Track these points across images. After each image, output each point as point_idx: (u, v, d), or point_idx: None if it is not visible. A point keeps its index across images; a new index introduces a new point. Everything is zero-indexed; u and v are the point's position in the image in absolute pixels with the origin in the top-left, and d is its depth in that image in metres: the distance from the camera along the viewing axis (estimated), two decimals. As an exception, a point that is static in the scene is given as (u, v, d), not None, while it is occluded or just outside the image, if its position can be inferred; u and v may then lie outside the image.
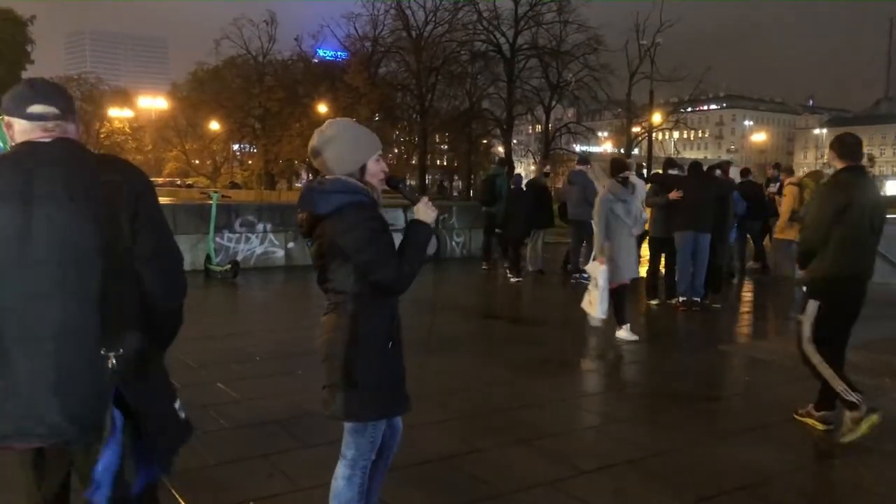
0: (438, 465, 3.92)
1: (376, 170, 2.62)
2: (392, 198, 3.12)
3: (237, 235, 11.91)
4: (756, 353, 6.85)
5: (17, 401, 1.89)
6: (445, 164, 60.04)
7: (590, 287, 7.22)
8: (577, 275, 11.03)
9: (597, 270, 7.07)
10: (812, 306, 4.56)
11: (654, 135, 45.54)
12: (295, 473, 3.73)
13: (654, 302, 9.16)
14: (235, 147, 62.29)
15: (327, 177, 2.59)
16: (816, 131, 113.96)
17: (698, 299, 8.88)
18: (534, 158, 50.92)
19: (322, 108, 46.84)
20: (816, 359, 4.51)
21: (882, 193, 5.79)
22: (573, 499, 3.57)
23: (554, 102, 44.61)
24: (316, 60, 51.84)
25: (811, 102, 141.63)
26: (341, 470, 2.71)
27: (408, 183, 2.67)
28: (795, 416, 4.75)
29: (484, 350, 6.89)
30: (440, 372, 5.77)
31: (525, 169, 49.81)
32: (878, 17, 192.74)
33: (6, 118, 2.10)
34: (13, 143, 2.09)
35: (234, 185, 56.50)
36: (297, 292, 10.53)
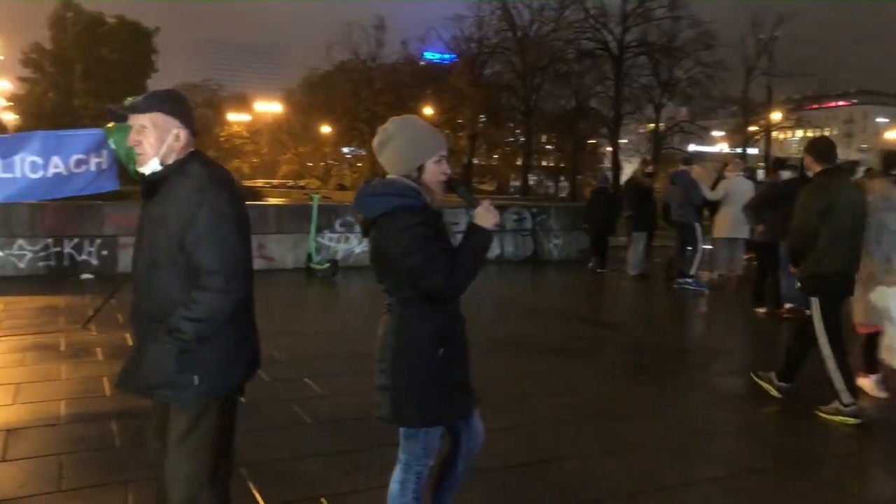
0: (516, 471, 3.83)
1: (435, 171, 2.53)
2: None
3: (337, 235, 12.20)
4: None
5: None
6: (552, 164, 59.37)
7: (886, 328, 5.23)
8: (682, 280, 10.58)
9: (887, 298, 5.16)
10: (814, 304, 4.87)
11: (772, 134, 43.30)
12: (371, 471, 3.73)
13: (760, 310, 8.65)
14: (345, 150, 64.15)
15: (384, 177, 2.55)
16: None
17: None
18: (644, 159, 49.56)
19: (427, 111, 47.47)
20: (826, 352, 4.78)
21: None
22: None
23: (664, 101, 43.22)
24: (422, 63, 52.59)
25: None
26: (396, 473, 2.69)
27: (467, 186, 2.46)
28: (753, 376, 5.36)
29: (577, 355, 6.70)
30: (530, 375, 5.65)
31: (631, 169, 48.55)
32: None
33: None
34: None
35: (341, 187, 58.15)
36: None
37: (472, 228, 2.52)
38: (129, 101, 2.62)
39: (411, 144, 2.51)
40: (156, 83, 45.55)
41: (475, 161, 50.72)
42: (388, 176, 2.55)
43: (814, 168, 4.99)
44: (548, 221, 14.22)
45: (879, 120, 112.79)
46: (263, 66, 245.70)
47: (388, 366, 2.54)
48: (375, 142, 2.57)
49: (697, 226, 10.63)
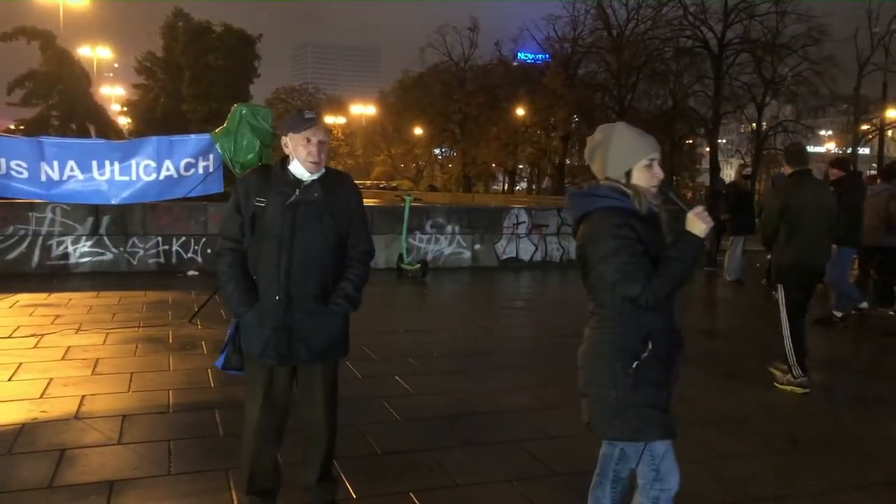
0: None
1: (645, 176, 2.46)
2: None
3: (427, 236, 12.40)
4: None
5: None
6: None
7: None
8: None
9: None
10: (780, 290, 5.62)
11: (887, 132, 40.79)
12: (455, 470, 3.81)
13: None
14: (437, 151, 64.84)
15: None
16: None
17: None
18: (743, 159, 47.70)
19: (520, 112, 47.33)
20: (786, 332, 5.48)
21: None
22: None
23: (768, 99, 41.46)
24: (515, 63, 52.48)
25: None
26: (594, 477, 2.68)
27: (677, 191, 2.68)
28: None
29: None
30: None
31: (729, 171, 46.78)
32: None
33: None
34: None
35: (431, 188, 58.80)
36: (480, 293, 10.73)
37: (682, 235, 2.41)
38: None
39: (618, 150, 2.48)
40: (257, 88, 47.40)
41: (567, 162, 50.18)
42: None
43: (787, 170, 5.73)
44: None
45: None
46: (359, 69, 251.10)
47: (583, 374, 2.54)
48: (586, 151, 2.62)
49: None
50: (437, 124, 54.57)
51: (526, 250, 13.25)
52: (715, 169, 38.43)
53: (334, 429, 3.20)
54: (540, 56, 50.84)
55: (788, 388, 5.47)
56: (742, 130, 51.77)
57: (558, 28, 45.26)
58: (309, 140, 2.93)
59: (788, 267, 5.54)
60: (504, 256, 13.06)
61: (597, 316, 2.49)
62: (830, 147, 55.49)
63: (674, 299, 2.48)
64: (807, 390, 5.43)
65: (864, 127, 42.40)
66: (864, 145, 44.08)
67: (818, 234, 5.51)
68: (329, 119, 69.11)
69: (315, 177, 3.00)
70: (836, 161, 8.86)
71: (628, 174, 2.45)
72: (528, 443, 4.21)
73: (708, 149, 44.13)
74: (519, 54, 53.04)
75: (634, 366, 2.37)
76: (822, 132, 56.08)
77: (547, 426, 4.52)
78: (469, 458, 4.00)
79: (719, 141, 45.31)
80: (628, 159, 2.45)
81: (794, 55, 38.11)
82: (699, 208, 2.39)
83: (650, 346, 2.38)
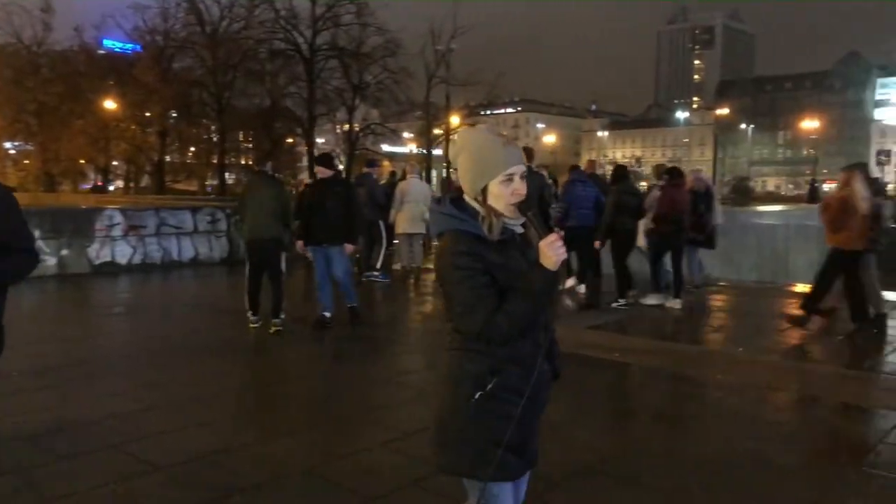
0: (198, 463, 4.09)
1: (502, 193, 2.13)
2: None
3: None
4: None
5: None
6: (250, 162, 58.31)
7: None
8: (369, 273, 11.47)
9: None
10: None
11: (453, 136, 47.47)
12: (45, 486, 3.72)
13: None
14: (8, 145, 56.17)
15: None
16: (599, 133, 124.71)
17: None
18: (339, 158, 51.04)
19: (110, 105, 43.73)
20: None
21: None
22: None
23: (357, 103, 44.98)
24: (102, 52, 48.10)
25: (594, 107, 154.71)
26: None
27: (537, 212, 2.17)
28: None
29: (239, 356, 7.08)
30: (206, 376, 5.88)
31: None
32: (650, 29, 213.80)
33: None
34: None
35: (3, 188, 50.84)
36: (70, 302, 10.00)
37: (534, 267, 2.11)
38: None
39: (474, 163, 2.16)
40: None
41: (168, 159, 47.90)
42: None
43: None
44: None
45: (539, 125, 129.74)
46: None
47: (438, 401, 2.28)
48: (451, 155, 2.30)
49: (382, 224, 11.63)
50: (5, 114, 47.24)
51: (123, 253, 12.61)
52: (314, 168, 40.57)
53: None
54: (129, 46, 47.42)
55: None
56: (337, 131, 55.27)
57: (148, 18, 42.78)
58: None
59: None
60: (98, 261, 12.25)
61: (453, 335, 2.23)
62: (412, 148, 62.42)
63: (543, 325, 2.22)
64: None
65: (437, 131, 48.78)
66: (436, 147, 50.56)
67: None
68: None
69: None
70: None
71: (484, 191, 2.14)
72: (128, 444, 4.28)
73: (306, 148, 46.21)
74: (105, 42, 48.72)
75: (478, 395, 2.13)
76: (406, 134, 62.72)
77: (147, 426, 4.62)
78: (62, 471, 3.93)
79: (317, 140, 47.76)
80: (483, 175, 2.13)
81: (376, 64, 42.01)
82: (552, 237, 2.08)
83: (500, 375, 2.13)
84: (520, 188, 2.13)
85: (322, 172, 7.70)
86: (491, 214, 2.13)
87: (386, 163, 40.62)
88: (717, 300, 10.05)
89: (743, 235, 14.29)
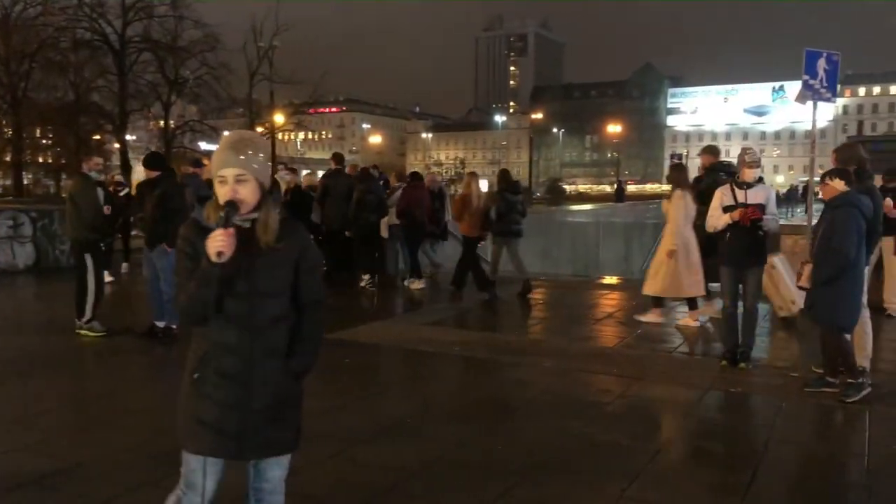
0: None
1: (218, 192, 2.37)
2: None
3: None
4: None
5: None
6: (50, 161, 53.29)
7: None
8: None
9: None
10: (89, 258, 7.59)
11: (278, 135, 46.55)
12: None
13: None
14: None
15: None
16: (424, 135, 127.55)
17: None
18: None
19: None
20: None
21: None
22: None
23: (174, 98, 42.68)
24: None
25: (417, 109, 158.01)
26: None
27: (233, 214, 2.27)
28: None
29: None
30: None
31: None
32: (468, 32, 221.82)
33: None
34: None
35: None
36: None
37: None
38: None
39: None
40: None
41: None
42: None
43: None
44: (52, 227, 13.24)
45: (364, 126, 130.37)
46: None
47: None
48: None
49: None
50: None
51: None
52: (127, 167, 38.07)
53: None
54: None
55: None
56: (151, 128, 52.06)
57: (-79, -3, 37.80)
58: None
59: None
60: None
61: None
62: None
63: (258, 319, 2.39)
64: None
65: (260, 129, 47.47)
66: (261, 146, 49.30)
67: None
68: None
69: None
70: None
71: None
72: None
73: (118, 145, 43.15)
74: None
75: (196, 376, 2.40)
76: (226, 132, 60.55)
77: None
78: None
79: (130, 138, 44.79)
80: (213, 170, 2.41)
81: (193, 59, 40.07)
82: (219, 231, 2.23)
83: (208, 359, 2.39)
84: (226, 193, 2.31)
85: (148, 173, 7.53)
86: (210, 206, 2.38)
87: (206, 162, 38.91)
88: (538, 294, 10.74)
89: (559, 233, 15.47)
